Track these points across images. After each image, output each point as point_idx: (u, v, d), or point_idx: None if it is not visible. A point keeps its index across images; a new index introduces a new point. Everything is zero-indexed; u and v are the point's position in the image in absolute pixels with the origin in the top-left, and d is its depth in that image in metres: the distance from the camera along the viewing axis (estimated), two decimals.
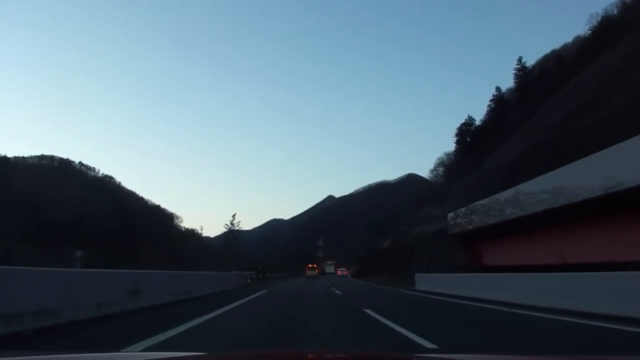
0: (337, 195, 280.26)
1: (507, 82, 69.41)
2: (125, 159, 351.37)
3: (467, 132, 71.71)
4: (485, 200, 24.76)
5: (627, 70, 32.07)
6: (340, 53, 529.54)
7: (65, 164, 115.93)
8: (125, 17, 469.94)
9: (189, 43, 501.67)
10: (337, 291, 21.69)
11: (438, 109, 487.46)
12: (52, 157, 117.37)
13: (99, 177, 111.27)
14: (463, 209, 28.20)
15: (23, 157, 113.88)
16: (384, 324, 7.92)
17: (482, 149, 53.79)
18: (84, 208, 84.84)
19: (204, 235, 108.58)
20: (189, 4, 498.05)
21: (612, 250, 15.62)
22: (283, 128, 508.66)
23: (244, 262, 55.27)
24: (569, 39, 69.82)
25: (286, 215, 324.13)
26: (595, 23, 52.55)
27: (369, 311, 10.26)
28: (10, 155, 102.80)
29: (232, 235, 56.14)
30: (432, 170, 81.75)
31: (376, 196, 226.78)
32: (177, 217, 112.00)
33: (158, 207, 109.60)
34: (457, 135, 74.26)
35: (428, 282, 22.15)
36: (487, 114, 70.01)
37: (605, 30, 46.30)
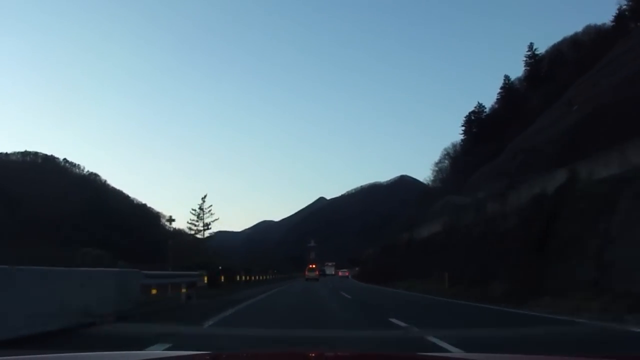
0: (328, 197, 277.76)
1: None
2: (113, 157, 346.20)
3: (476, 121, 70.25)
4: None
5: None
6: (330, 51, 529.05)
7: (49, 160, 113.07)
8: (126, 17, 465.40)
9: (180, 41, 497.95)
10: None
11: (432, 109, 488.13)
12: (36, 154, 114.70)
13: (84, 175, 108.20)
14: None
15: (6, 154, 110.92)
16: None
17: (498, 134, 52.72)
18: (66, 206, 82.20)
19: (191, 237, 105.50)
20: None
21: None
22: (273, 129, 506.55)
23: (219, 262, 36.84)
24: (571, 31, 68.90)
25: (276, 217, 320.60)
26: None
27: None
28: None
29: (202, 222, 45.84)
30: (436, 164, 79.64)
31: (368, 198, 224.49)
32: (164, 217, 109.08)
33: (144, 206, 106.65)
34: (465, 124, 72.79)
35: None
36: (497, 102, 69.10)
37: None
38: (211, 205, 47.27)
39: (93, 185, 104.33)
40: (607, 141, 15.82)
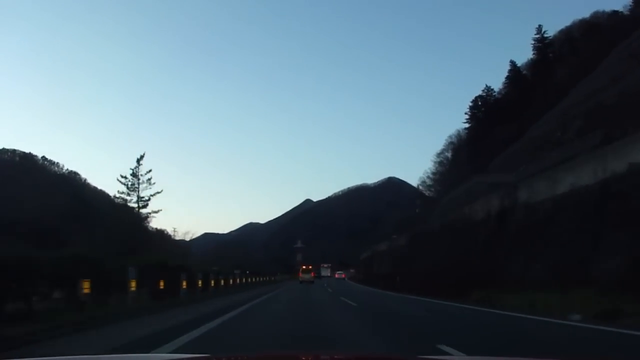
0: (314, 199, 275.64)
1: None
2: (94, 155, 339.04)
3: (484, 106, 68.13)
4: None
5: None
6: (315, 53, 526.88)
7: (27, 158, 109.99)
8: (124, 16, 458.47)
9: (176, 42, 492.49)
10: None
11: (419, 110, 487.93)
12: (13, 151, 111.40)
13: (63, 174, 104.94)
14: None
15: None
16: None
17: (513, 118, 51.28)
18: (43, 206, 79.51)
19: (177, 238, 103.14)
20: None
21: None
22: (258, 130, 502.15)
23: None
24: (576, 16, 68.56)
25: (262, 219, 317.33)
26: None
27: None
28: None
29: (137, 194, 31.16)
30: (438, 154, 78.37)
31: (356, 200, 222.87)
32: (146, 218, 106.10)
33: (125, 205, 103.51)
34: (471, 109, 70.62)
35: None
36: (505, 86, 67.35)
37: None
38: (150, 171, 32.88)
39: (73, 184, 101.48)
40: None
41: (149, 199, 31.28)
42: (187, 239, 70.40)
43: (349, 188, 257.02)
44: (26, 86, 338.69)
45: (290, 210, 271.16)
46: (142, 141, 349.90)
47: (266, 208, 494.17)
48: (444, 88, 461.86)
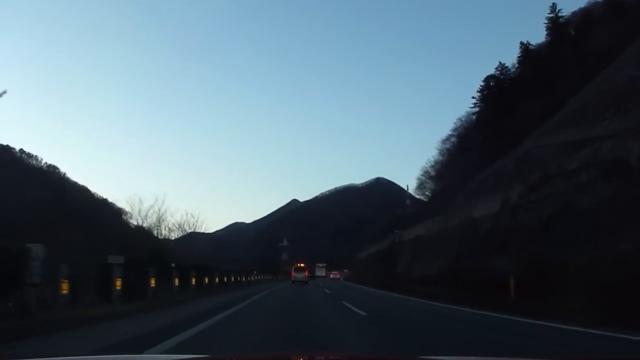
0: (301, 199, 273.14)
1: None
2: (74, 149, 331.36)
3: (496, 86, 63.96)
4: None
5: None
6: (302, 52, 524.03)
7: (4, 150, 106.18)
8: (123, 15, 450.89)
9: (160, 38, 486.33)
10: None
11: (408, 109, 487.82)
12: None
13: (41, 167, 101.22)
14: None
15: None
16: None
17: (537, 93, 47.68)
18: (19, 200, 76.50)
19: (160, 237, 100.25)
20: None
21: None
22: (244, 130, 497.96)
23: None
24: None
25: (248, 219, 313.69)
26: None
27: None
28: None
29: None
30: (443, 141, 75.95)
31: (343, 200, 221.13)
32: (126, 213, 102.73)
33: (105, 200, 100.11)
34: (482, 90, 66.50)
35: None
36: (518, 66, 63.76)
37: None
38: None
39: (51, 177, 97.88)
40: None
41: None
42: (172, 237, 67.40)
43: (336, 188, 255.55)
44: (5, 81, 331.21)
45: (277, 210, 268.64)
46: (126, 138, 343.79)
47: (252, 208, 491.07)
48: (434, 89, 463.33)
